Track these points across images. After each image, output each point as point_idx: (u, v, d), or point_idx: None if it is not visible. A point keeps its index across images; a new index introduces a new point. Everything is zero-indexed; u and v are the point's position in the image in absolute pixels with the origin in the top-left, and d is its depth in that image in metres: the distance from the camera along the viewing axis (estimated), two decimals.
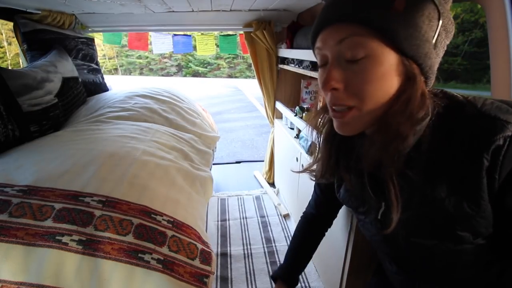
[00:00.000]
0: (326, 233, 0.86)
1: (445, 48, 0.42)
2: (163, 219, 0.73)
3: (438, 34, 0.39)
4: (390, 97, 0.40)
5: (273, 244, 1.67)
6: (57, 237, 0.61)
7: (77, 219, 0.64)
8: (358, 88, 0.40)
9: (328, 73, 0.42)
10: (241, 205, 2.07)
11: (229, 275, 1.40)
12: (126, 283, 0.61)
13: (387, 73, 0.39)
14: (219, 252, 1.55)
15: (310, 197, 0.84)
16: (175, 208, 0.79)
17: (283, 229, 1.81)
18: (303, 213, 0.85)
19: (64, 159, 0.82)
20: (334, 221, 0.84)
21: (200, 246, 0.74)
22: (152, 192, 0.79)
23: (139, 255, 0.64)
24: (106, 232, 0.64)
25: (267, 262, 1.53)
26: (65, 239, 0.61)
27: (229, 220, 1.85)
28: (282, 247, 1.64)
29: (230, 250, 1.58)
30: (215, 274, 0.75)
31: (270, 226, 1.83)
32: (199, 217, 0.90)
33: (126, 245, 0.64)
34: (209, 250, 0.75)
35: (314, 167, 0.63)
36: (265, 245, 1.66)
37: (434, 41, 0.39)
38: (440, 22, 0.38)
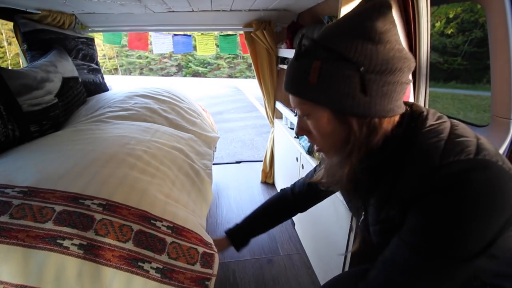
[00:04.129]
0: (326, 232, 0.86)
1: (402, 80, 0.46)
2: (162, 225, 0.72)
3: (366, 83, 0.44)
4: (342, 137, 0.50)
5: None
6: (58, 241, 0.60)
7: (78, 223, 0.64)
8: (314, 135, 0.54)
9: (297, 123, 0.56)
10: None
11: None
12: None
13: (328, 124, 0.50)
14: None
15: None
16: (175, 210, 0.79)
17: None
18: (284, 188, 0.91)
19: (64, 160, 0.82)
20: (334, 221, 0.85)
21: (201, 249, 0.73)
22: (152, 195, 0.78)
23: (139, 263, 0.64)
24: (107, 237, 0.64)
25: None
26: (66, 243, 0.61)
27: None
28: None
29: None
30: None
31: None
32: (200, 218, 0.90)
33: (126, 252, 0.64)
34: (211, 252, 0.75)
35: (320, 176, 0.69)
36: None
37: (360, 90, 0.45)
38: (363, 72, 0.44)
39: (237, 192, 2.34)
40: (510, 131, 0.78)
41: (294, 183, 0.89)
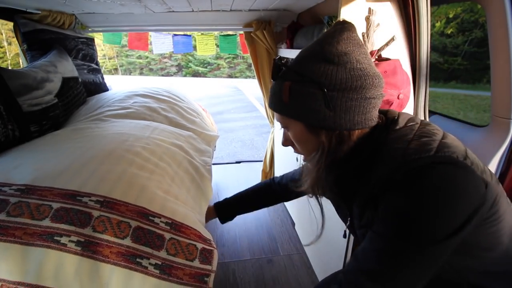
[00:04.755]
0: (327, 232, 0.87)
1: (366, 96, 0.50)
2: (161, 221, 0.72)
3: (329, 100, 0.50)
4: (316, 147, 0.56)
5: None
6: (55, 238, 0.60)
7: (75, 220, 0.64)
8: (295, 145, 0.61)
9: (282, 136, 0.63)
10: None
11: None
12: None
13: (302, 135, 0.56)
14: None
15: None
16: (174, 207, 0.79)
17: None
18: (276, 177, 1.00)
19: (63, 158, 0.82)
20: (335, 222, 0.85)
21: (200, 245, 0.73)
22: (151, 191, 0.78)
23: (137, 259, 0.64)
24: (105, 234, 0.64)
25: None
26: (63, 239, 0.61)
27: None
28: None
29: None
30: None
31: None
32: (199, 214, 0.90)
33: (124, 249, 0.64)
34: (211, 248, 0.75)
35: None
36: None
37: (325, 106, 0.50)
38: (325, 90, 0.49)
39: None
40: (510, 131, 0.78)
41: (283, 176, 0.97)
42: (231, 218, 1.00)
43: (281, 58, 0.55)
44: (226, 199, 1.02)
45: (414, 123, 0.53)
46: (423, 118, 1.08)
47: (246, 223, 1.91)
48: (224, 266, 1.54)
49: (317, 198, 0.68)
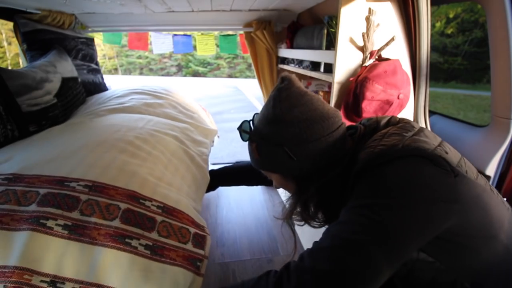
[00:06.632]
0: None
1: (322, 136, 0.56)
2: (152, 205, 0.71)
3: (289, 152, 0.57)
4: (293, 191, 0.66)
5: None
6: (41, 221, 0.60)
7: (62, 204, 0.63)
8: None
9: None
10: None
11: None
12: (113, 268, 0.60)
13: (281, 183, 0.67)
14: None
15: None
16: (167, 192, 0.78)
17: None
18: None
19: (53, 148, 0.81)
20: None
21: (193, 230, 0.73)
22: (142, 177, 0.77)
23: (126, 240, 0.63)
24: (92, 217, 0.63)
25: None
26: (49, 223, 0.60)
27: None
28: None
29: None
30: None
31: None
32: (194, 202, 0.88)
33: (112, 230, 0.63)
34: (204, 234, 0.74)
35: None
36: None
37: (289, 157, 0.57)
38: (283, 147, 0.57)
39: (237, 192, 2.34)
40: (510, 131, 0.78)
41: None
42: (213, 188, 1.09)
43: (245, 124, 0.64)
44: (211, 171, 1.09)
45: (395, 122, 0.60)
46: (422, 118, 1.08)
47: (246, 223, 1.91)
48: (224, 266, 1.54)
49: (291, 227, 0.78)
